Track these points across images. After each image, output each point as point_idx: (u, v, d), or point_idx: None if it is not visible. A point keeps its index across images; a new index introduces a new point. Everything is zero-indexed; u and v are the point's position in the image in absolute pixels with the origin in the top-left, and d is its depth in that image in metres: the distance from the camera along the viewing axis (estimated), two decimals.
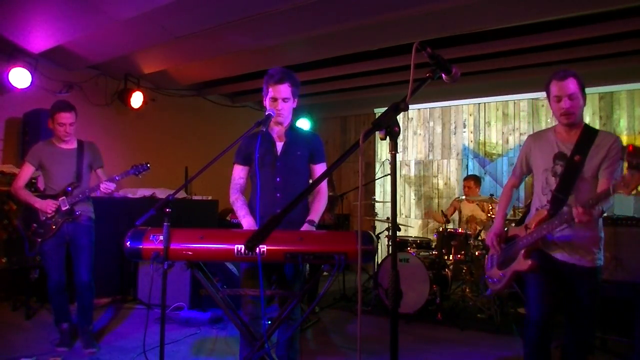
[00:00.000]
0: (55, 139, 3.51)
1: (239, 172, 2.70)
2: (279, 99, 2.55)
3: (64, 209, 3.41)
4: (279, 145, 2.63)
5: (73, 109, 3.47)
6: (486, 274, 2.79)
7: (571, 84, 2.33)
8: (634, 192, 1.92)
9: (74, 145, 3.56)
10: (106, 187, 3.37)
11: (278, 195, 2.56)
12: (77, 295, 3.49)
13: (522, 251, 2.44)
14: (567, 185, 2.37)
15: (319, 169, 2.70)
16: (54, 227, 3.40)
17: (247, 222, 2.54)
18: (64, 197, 3.42)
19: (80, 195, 3.43)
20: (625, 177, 1.94)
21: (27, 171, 3.49)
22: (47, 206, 3.38)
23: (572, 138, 2.40)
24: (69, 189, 3.43)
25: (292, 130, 2.68)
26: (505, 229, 2.69)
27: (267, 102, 2.60)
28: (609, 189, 2.02)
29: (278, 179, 2.58)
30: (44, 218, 3.41)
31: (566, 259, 2.37)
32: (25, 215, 3.48)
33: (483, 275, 2.80)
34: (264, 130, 2.50)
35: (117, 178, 3.42)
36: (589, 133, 2.38)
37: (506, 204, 2.78)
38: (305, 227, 2.52)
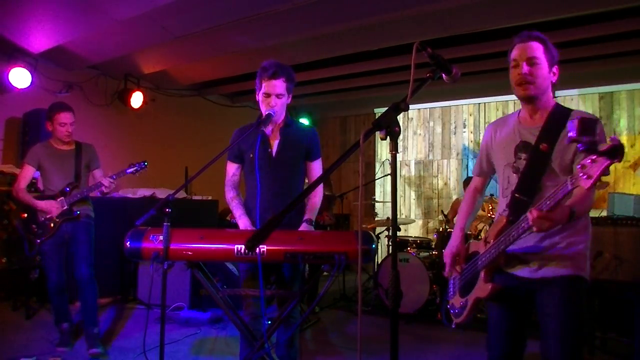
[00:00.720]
0: (54, 140, 3.52)
1: (233, 170, 2.67)
2: (273, 94, 2.45)
3: (62, 209, 3.41)
4: (273, 146, 2.56)
5: (72, 109, 3.50)
6: (448, 303, 2.17)
7: (534, 46, 1.82)
8: (598, 185, 1.41)
9: (71, 146, 3.56)
10: (109, 182, 3.38)
11: (273, 200, 2.51)
12: (79, 293, 3.48)
13: (482, 273, 1.89)
14: (530, 183, 1.80)
15: (315, 165, 2.65)
16: (52, 226, 3.40)
17: (244, 222, 2.51)
18: (62, 198, 3.42)
19: (78, 195, 3.43)
20: (586, 165, 1.40)
21: (28, 173, 3.50)
22: (51, 207, 3.37)
23: (538, 122, 1.84)
24: (67, 189, 3.44)
25: (286, 127, 2.59)
26: (467, 243, 2.09)
27: (259, 97, 2.51)
28: (566, 184, 1.51)
29: (273, 184, 2.52)
30: (43, 219, 3.41)
31: (530, 274, 1.79)
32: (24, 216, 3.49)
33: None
34: (263, 130, 2.48)
35: (114, 177, 3.43)
36: (559, 114, 1.80)
37: (467, 213, 2.16)
38: (304, 226, 2.50)
